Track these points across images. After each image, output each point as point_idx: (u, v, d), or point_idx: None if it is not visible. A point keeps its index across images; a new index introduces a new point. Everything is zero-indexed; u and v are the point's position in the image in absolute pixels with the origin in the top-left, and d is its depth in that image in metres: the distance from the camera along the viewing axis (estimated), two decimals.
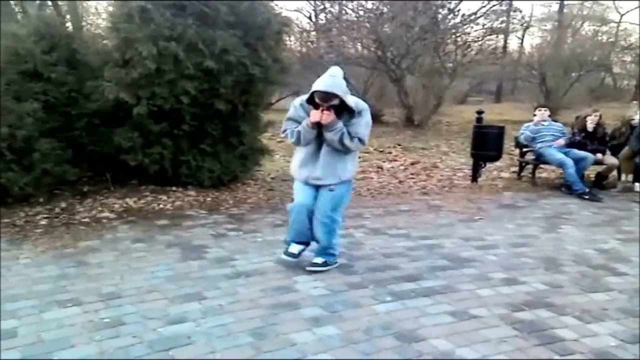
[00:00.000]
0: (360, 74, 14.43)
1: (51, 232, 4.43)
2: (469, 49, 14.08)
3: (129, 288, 3.31)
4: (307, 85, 3.46)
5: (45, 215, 4.84)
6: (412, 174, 7.68)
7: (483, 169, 7.25)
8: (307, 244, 3.74)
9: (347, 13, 14.07)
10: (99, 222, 4.76)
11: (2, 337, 2.66)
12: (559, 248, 4.37)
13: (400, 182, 7.09)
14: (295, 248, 3.71)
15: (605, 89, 20.65)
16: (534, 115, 7.07)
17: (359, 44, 14.35)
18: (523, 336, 2.81)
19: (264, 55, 5.69)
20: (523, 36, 23.74)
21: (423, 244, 4.35)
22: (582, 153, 6.56)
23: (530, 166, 7.23)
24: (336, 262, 3.74)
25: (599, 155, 6.66)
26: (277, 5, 8.90)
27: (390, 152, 9.49)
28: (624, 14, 24.83)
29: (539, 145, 6.81)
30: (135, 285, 3.36)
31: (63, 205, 5.16)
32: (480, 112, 7.05)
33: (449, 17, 13.58)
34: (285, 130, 3.63)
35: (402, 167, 8.15)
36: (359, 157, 4.56)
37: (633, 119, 6.93)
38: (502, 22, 14.99)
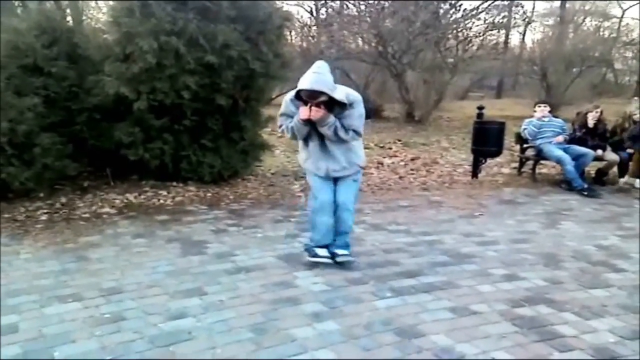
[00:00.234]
0: (361, 69, 14.41)
1: (52, 227, 4.44)
2: (471, 44, 14.04)
3: (129, 283, 3.32)
4: None
5: (46, 211, 4.84)
6: (412, 169, 7.68)
7: (483, 165, 7.25)
8: (327, 246, 3.70)
9: (348, 8, 14.04)
10: (100, 217, 4.76)
11: (3, 332, 2.67)
12: (559, 244, 4.38)
13: (400, 177, 7.09)
14: (322, 252, 3.66)
15: (607, 85, 20.64)
16: (534, 111, 7.06)
17: (360, 39, 14.32)
18: (523, 332, 2.81)
19: (265, 50, 5.68)
20: (525, 31, 23.69)
21: (423, 240, 4.36)
22: (583, 149, 6.55)
23: (530, 162, 7.22)
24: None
25: (600, 152, 6.65)
26: None
27: (390, 148, 9.48)
28: (626, 10, 24.82)
29: (539, 141, 6.79)
30: (135, 280, 3.37)
31: (63, 200, 5.16)
32: (481, 108, 7.04)
33: (451, 12, 13.54)
34: (281, 126, 3.63)
35: (402, 163, 8.14)
36: None
37: (635, 114, 6.92)
38: (503, 17, 14.90)
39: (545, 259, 3.99)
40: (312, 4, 17.35)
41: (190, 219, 4.78)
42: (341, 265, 3.65)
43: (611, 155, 6.72)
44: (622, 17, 24.33)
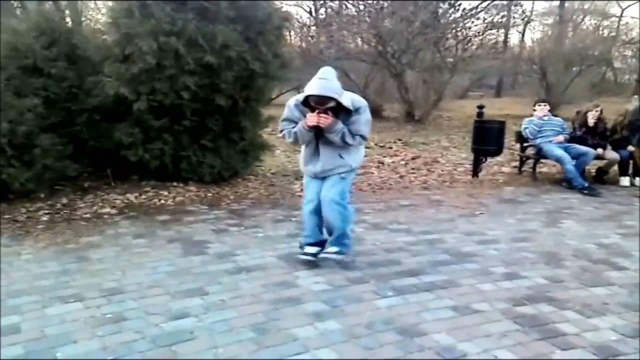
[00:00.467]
0: (360, 69, 14.41)
1: (52, 227, 4.43)
2: (470, 44, 14.05)
3: (130, 283, 3.32)
4: (307, 80, 3.42)
5: (47, 211, 4.84)
6: (412, 169, 7.68)
7: (484, 164, 7.25)
8: (321, 245, 3.71)
9: (347, 8, 14.06)
10: (100, 217, 4.76)
11: (5, 332, 2.66)
12: (560, 243, 4.37)
13: (401, 177, 7.08)
14: (310, 249, 3.68)
15: (606, 84, 20.65)
16: (534, 109, 7.05)
17: (359, 38, 14.33)
18: (524, 330, 2.81)
19: (265, 50, 5.68)
20: (524, 31, 23.75)
21: (424, 239, 4.36)
22: (583, 148, 6.55)
23: (530, 161, 7.22)
24: (348, 253, 3.71)
25: (600, 151, 6.65)
26: None
27: (390, 147, 9.49)
28: (625, 8, 24.81)
29: (539, 140, 6.79)
30: (136, 280, 3.37)
31: (64, 201, 5.16)
32: (480, 107, 7.04)
33: (450, 11, 13.55)
34: (282, 131, 3.62)
35: (402, 162, 8.14)
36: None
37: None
38: (502, 17, 14.94)
39: (546, 257, 3.99)
40: (311, 4, 17.40)
41: (191, 219, 4.78)
42: (342, 265, 3.65)
43: (611, 154, 6.72)
44: (621, 15, 24.37)
